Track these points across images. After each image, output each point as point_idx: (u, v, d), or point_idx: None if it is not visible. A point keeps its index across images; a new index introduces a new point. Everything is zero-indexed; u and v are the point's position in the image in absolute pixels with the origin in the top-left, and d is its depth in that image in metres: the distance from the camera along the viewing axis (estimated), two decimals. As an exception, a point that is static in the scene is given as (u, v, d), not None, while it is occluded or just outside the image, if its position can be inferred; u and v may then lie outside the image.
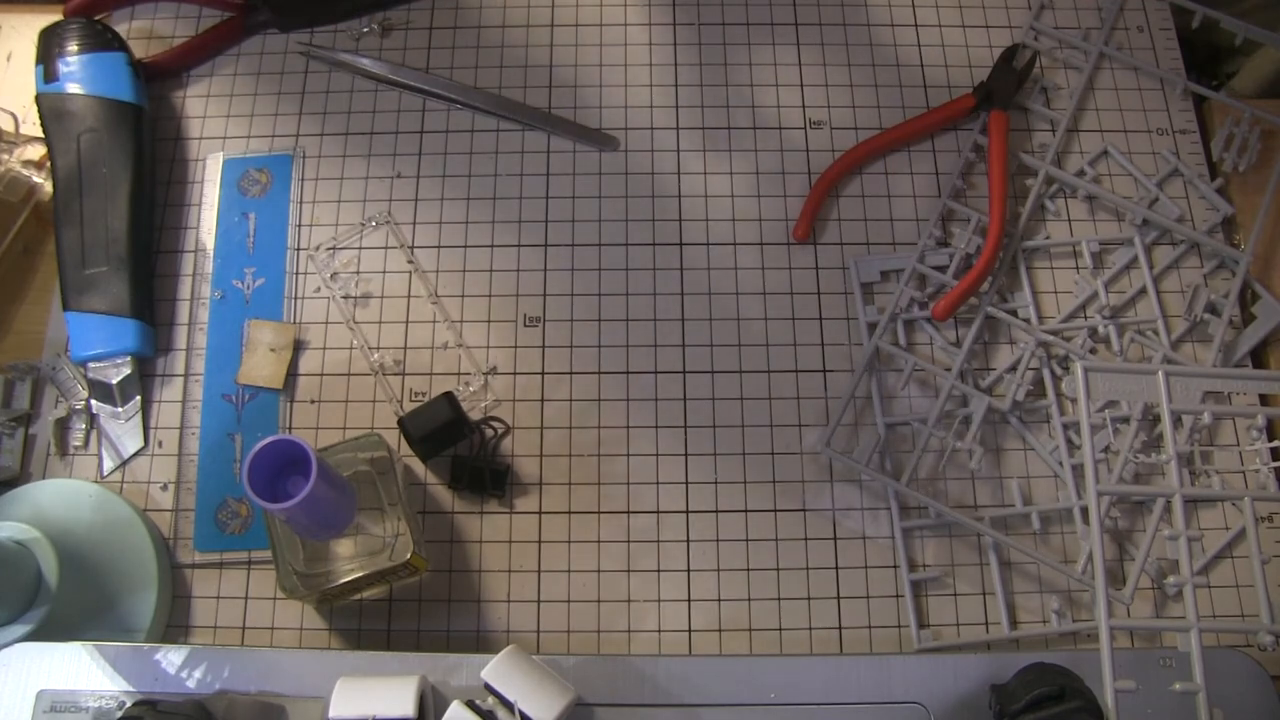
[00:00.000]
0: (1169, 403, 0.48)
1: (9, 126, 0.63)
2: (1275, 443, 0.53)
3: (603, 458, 0.56)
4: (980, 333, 0.58)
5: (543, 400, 0.57)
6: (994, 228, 0.59)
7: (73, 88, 0.59)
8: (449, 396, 0.54)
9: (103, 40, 0.60)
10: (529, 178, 0.62)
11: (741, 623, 0.53)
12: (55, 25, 0.61)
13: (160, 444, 0.57)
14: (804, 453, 0.56)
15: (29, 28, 0.66)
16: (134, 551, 0.53)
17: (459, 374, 0.58)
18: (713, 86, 0.64)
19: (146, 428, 0.57)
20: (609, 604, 0.54)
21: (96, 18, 0.63)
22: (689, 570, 0.54)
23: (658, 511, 0.55)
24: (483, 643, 0.53)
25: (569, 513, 0.55)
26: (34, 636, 0.48)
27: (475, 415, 0.57)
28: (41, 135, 0.59)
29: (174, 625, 0.53)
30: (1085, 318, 0.59)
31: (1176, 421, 0.48)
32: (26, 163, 0.61)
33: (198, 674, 0.47)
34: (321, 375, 0.58)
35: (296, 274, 0.60)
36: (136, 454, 0.56)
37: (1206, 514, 0.55)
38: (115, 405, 0.56)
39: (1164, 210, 0.61)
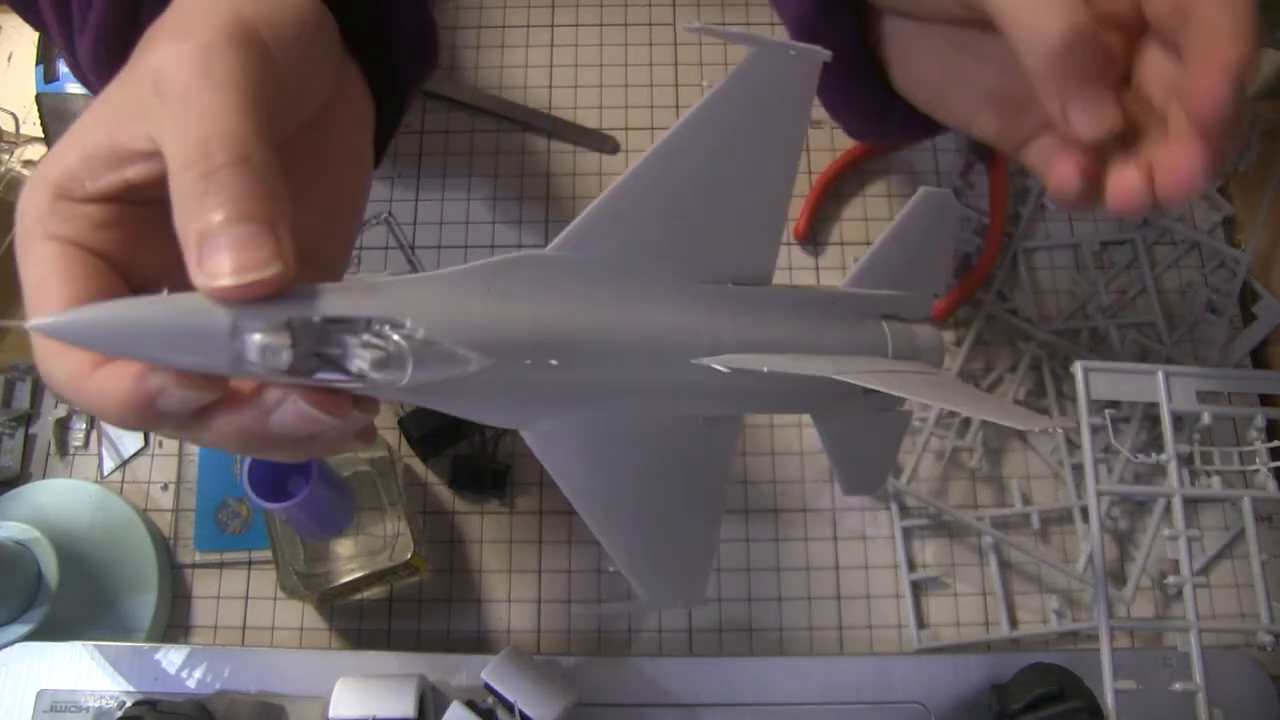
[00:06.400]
0: (1169, 403, 0.48)
1: (9, 126, 0.62)
2: (1275, 443, 0.53)
3: (603, 458, 0.56)
4: (980, 333, 0.58)
5: (543, 400, 0.57)
6: (994, 228, 0.59)
7: (73, 88, 0.59)
8: (449, 396, 0.54)
9: (103, 40, 0.60)
10: (529, 178, 0.62)
11: (741, 623, 0.53)
12: (55, 25, 0.61)
13: (160, 444, 0.57)
14: (804, 453, 0.56)
15: (29, 28, 0.65)
16: (134, 551, 0.53)
17: (459, 374, 0.58)
18: (713, 87, 0.64)
19: (146, 428, 0.57)
20: (609, 604, 0.54)
21: (96, 18, 0.63)
22: (689, 570, 0.54)
23: (658, 511, 0.55)
24: (483, 643, 0.53)
25: (569, 513, 0.55)
26: (34, 636, 0.48)
27: (475, 415, 0.57)
28: (41, 135, 0.59)
29: (174, 625, 0.53)
30: (1085, 318, 0.59)
31: (1177, 421, 0.48)
32: (26, 163, 0.61)
33: (198, 674, 0.47)
34: (321, 375, 0.58)
35: (296, 274, 0.60)
36: (136, 454, 0.56)
37: (1206, 514, 0.55)
38: (115, 405, 0.56)
39: (1164, 210, 0.61)
